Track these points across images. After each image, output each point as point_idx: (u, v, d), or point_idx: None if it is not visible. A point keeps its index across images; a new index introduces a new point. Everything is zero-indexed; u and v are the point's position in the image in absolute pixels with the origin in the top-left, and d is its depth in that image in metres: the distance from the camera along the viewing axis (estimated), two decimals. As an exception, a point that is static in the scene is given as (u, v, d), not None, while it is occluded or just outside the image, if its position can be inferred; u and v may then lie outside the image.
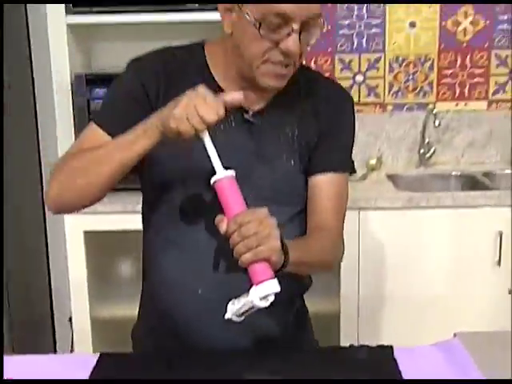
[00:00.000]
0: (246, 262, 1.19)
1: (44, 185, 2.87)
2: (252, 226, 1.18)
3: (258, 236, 1.18)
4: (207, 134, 1.22)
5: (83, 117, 2.55)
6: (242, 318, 1.25)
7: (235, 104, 1.24)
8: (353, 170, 1.45)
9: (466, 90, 2.97)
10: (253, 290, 1.21)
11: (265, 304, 1.21)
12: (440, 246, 2.52)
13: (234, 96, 1.24)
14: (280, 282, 1.21)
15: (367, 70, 2.93)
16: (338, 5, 2.85)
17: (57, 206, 1.40)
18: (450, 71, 2.96)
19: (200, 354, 1.40)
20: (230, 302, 1.24)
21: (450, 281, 2.54)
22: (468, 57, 2.94)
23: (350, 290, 2.50)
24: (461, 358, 1.37)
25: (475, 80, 2.96)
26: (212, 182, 1.24)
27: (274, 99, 1.43)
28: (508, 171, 2.92)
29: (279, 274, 1.23)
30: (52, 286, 3.06)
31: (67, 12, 2.55)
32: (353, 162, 1.49)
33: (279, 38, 1.29)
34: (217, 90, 1.36)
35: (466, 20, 2.91)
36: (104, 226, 2.50)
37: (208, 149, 1.24)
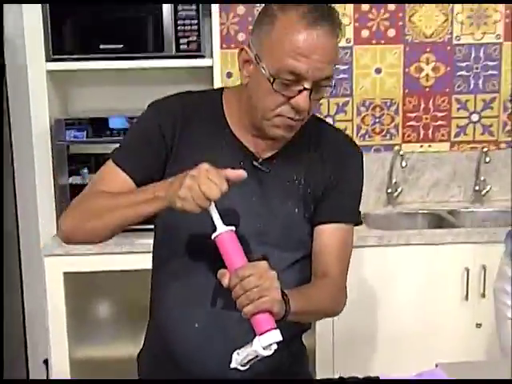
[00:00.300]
0: (248, 314, 1.25)
1: (56, 219, 2.75)
2: (253, 280, 1.24)
3: (259, 289, 1.24)
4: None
5: (62, 160, 2.62)
6: (247, 366, 1.30)
7: (237, 181, 1.29)
8: (359, 221, 1.51)
9: (430, 132, 3.11)
10: (256, 340, 1.26)
11: (268, 353, 1.26)
12: (410, 281, 2.63)
13: (238, 173, 1.29)
14: (281, 325, 1.28)
15: (336, 113, 3.05)
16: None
17: (68, 239, 1.49)
18: (414, 114, 3.10)
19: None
20: (235, 353, 1.30)
21: (420, 315, 2.63)
22: (431, 101, 3.09)
23: (325, 325, 2.56)
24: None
25: (438, 123, 3.11)
26: (213, 237, 1.30)
27: (284, 148, 1.49)
28: (471, 209, 3.06)
29: (281, 323, 1.27)
30: (26, 328, 3.05)
31: (47, 59, 2.64)
32: (359, 213, 1.56)
33: (291, 94, 1.35)
34: (230, 136, 1.47)
35: (428, 66, 3.06)
36: (83, 268, 2.53)
37: (211, 212, 1.30)
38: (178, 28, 2.64)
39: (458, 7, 3.03)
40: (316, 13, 1.33)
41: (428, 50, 3.06)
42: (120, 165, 1.47)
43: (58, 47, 2.63)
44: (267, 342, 1.25)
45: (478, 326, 2.61)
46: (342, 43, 2.94)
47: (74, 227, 1.46)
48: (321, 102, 1.61)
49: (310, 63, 1.33)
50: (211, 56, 2.73)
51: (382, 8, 3.01)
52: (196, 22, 2.64)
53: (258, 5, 2.81)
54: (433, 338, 2.61)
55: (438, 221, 2.97)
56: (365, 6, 3.00)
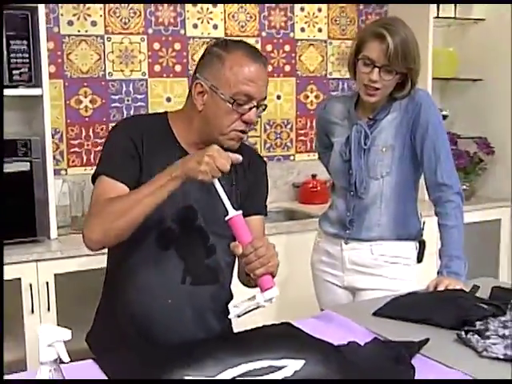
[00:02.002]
0: (259, 274, 1.58)
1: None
2: (263, 250, 1.57)
3: (267, 256, 1.58)
4: (218, 182, 1.60)
5: None
6: (240, 317, 1.63)
7: (237, 161, 1.63)
8: (267, 214, 1.98)
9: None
10: (259, 294, 1.58)
11: (268, 304, 1.58)
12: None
13: (237, 156, 1.63)
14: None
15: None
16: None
17: (101, 244, 1.71)
18: (304, 131, 3.98)
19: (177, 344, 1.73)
20: (232, 306, 1.63)
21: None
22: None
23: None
24: (340, 321, 1.86)
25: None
26: (227, 218, 1.60)
27: None
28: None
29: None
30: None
31: None
32: (266, 208, 1.98)
33: (244, 111, 1.71)
34: (180, 150, 1.77)
35: (312, 94, 3.97)
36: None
37: (219, 192, 1.60)
38: (11, 60, 2.81)
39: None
40: (251, 51, 1.74)
41: (312, 82, 3.96)
42: (114, 176, 1.72)
43: None
44: (270, 295, 1.58)
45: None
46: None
47: (104, 231, 1.65)
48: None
49: (257, 87, 1.71)
50: (41, 86, 2.90)
51: (281, 49, 3.84)
52: (27, 55, 2.83)
53: (67, 39, 3.26)
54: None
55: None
56: (269, 47, 3.80)
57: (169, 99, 3.55)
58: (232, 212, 1.60)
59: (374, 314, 1.89)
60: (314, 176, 3.89)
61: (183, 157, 1.69)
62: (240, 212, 1.61)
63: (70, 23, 3.29)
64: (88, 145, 3.41)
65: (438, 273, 2.18)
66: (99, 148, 3.39)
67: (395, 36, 2.15)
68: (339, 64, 4.02)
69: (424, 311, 1.84)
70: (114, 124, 3.29)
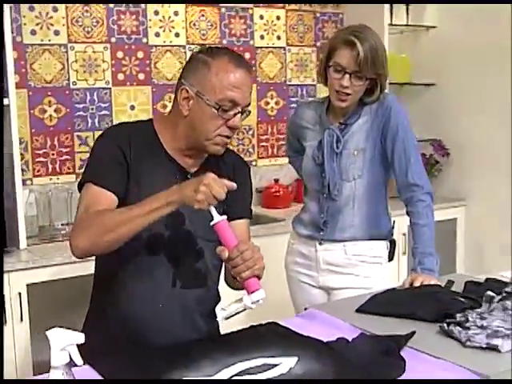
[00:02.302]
0: (245, 277, 1.61)
1: None
2: (249, 253, 1.61)
3: (253, 259, 1.61)
4: None
5: None
6: (227, 319, 1.66)
7: (232, 188, 1.65)
8: (252, 217, 2.04)
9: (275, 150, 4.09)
10: (246, 297, 1.62)
11: (254, 306, 1.62)
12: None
13: (232, 184, 1.65)
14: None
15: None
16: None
17: (85, 254, 1.73)
18: (265, 137, 4.04)
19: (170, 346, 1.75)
20: (220, 309, 1.67)
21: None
22: (274, 126, 4.07)
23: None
24: (325, 318, 1.89)
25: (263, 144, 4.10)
26: (212, 224, 1.62)
27: (202, 165, 1.87)
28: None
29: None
30: None
31: None
32: (251, 212, 2.03)
33: (229, 117, 1.74)
34: (165, 155, 1.81)
35: (272, 100, 4.04)
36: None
37: (210, 207, 1.61)
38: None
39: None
40: (236, 58, 1.78)
41: (272, 88, 4.03)
42: (101, 184, 1.74)
43: None
44: (256, 298, 1.61)
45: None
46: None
47: (91, 243, 1.67)
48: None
49: (241, 93, 1.74)
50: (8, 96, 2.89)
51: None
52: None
53: (30, 48, 3.25)
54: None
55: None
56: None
57: (132, 107, 3.57)
58: (217, 217, 1.63)
59: (357, 310, 1.95)
60: (276, 180, 3.96)
61: (168, 162, 1.76)
62: (225, 217, 1.64)
63: (33, 32, 3.28)
64: (53, 154, 3.39)
65: (411, 270, 2.27)
66: (64, 157, 3.40)
67: (365, 43, 2.23)
68: (298, 70, 4.11)
69: (406, 306, 1.91)
70: (78, 133, 3.42)
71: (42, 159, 3.36)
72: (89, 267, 2.69)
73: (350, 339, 1.70)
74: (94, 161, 1.83)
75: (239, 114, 1.76)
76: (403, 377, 1.52)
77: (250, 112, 1.82)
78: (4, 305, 2.75)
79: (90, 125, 3.47)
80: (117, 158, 1.77)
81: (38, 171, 3.35)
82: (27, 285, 2.83)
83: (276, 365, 1.56)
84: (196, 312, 1.89)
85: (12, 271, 2.79)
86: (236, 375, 1.52)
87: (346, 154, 2.36)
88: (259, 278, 1.66)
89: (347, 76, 2.25)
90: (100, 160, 1.80)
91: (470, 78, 4.03)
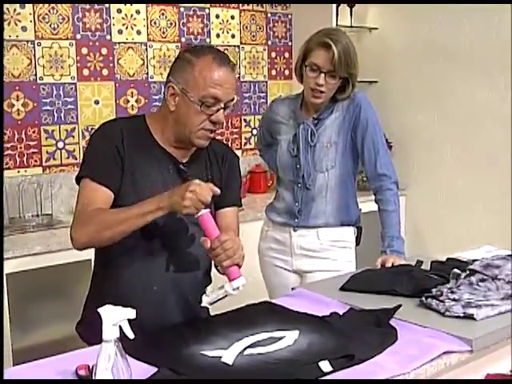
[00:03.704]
0: (226, 266, 1.73)
1: None
2: (229, 243, 1.73)
3: (234, 248, 1.73)
4: None
5: None
6: (212, 305, 1.81)
7: (216, 194, 1.76)
8: (241, 205, 2.15)
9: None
10: (227, 284, 1.73)
11: (236, 292, 1.74)
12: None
13: (217, 190, 1.76)
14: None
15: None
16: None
17: (84, 247, 1.86)
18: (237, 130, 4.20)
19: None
20: (205, 295, 1.80)
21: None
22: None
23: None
24: (313, 296, 2.06)
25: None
26: (196, 216, 1.73)
27: (192, 156, 1.97)
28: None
29: None
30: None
31: None
32: (240, 200, 2.13)
33: (211, 112, 1.84)
34: (158, 148, 1.91)
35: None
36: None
37: None
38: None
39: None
40: (220, 56, 1.85)
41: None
42: (97, 180, 1.84)
43: None
44: (237, 284, 1.73)
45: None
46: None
47: (91, 238, 1.81)
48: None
49: (224, 90, 1.82)
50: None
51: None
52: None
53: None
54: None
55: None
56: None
57: (97, 102, 3.67)
58: (201, 210, 1.74)
59: (341, 289, 2.15)
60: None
61: (161, 154, 1.89)
62: (208, 210, 1.76)
63: (1, 28, 3.32)
64: (21, 147, 3.45)
65: (381, 252, 2.49)
66: (32, 150, 3.48)
67: (338, 44, 2.43)
68: (251, 68, 4.28)
69: (385, 283, 2.11)
70: (45, 127, 3.51)
71: (10, 152, 3.42)
72: (69, 256, 2.85)
73: (341, 313, 1.87)
74: (89, 156, 1.92)
75: (222, 110, 1.85)
76: (396, 345, 1.69)
77: (234, 107, 1.94)
78: (3, 305, 2.78)
79: (56, 119, 3.56)
80: (111, 154, 1.87)
81: (6, 164, 3.40)
82: (7, 274, 2.88)
83: (281, 337, 1.70)
84: (190, 295, 1.98)
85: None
86: (248, 347, 1.65)
87: (319, 146, 2.55)
88: (239, 266, 1.78)
89: (322, 75, 2.45)
90: (95, 156, 1.90)
91: (409, 75, 4.36)
